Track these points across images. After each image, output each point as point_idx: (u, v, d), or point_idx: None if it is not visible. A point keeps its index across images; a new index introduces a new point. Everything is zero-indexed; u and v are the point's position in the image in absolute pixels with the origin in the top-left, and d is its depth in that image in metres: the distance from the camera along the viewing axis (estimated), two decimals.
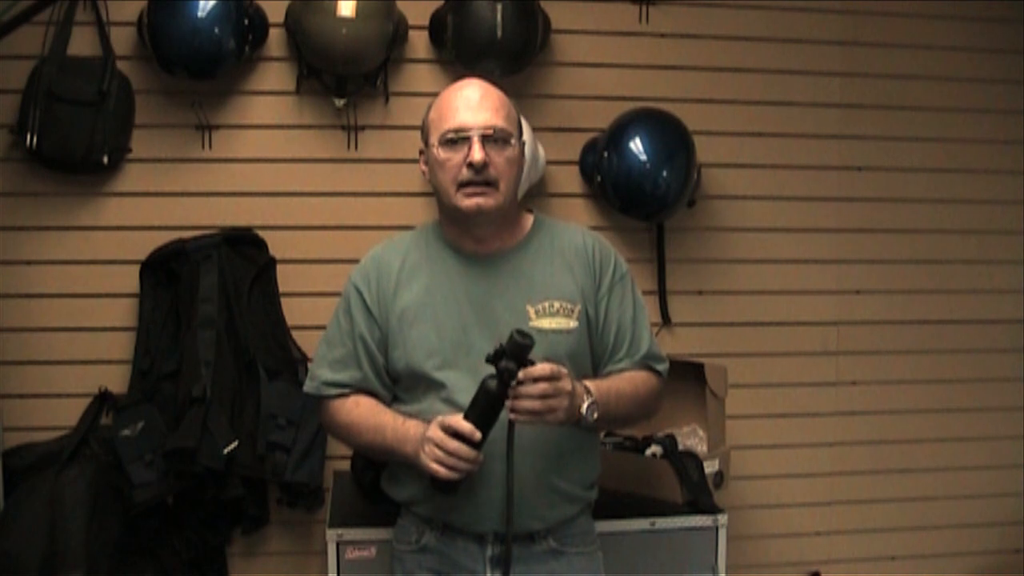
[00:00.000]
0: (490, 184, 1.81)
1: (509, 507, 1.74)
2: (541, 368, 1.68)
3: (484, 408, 1.69)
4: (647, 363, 1.94)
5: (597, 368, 1.93)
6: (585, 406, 1.74)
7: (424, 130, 1.89)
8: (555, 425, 1.74)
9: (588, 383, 1.80)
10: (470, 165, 1.79)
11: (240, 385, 2.64)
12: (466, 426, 1.69)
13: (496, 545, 1.86)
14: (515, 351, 1.64)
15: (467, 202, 1.81)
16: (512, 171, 1.85)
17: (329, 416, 1.95)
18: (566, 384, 1.71)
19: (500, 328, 1.80)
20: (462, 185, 1.81)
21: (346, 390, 1.92)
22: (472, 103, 1.81)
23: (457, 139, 1.80)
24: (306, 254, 2.79)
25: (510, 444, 1.71)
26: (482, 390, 1.68)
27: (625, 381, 1.90)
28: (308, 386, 1.97)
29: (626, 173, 2.78)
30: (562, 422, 1.73)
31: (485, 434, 1.70)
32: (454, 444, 1.69)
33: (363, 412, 1.89)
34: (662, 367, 1.97)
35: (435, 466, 1.71)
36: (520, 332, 1.65)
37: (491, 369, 1.68)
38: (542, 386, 1.67)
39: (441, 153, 1.82)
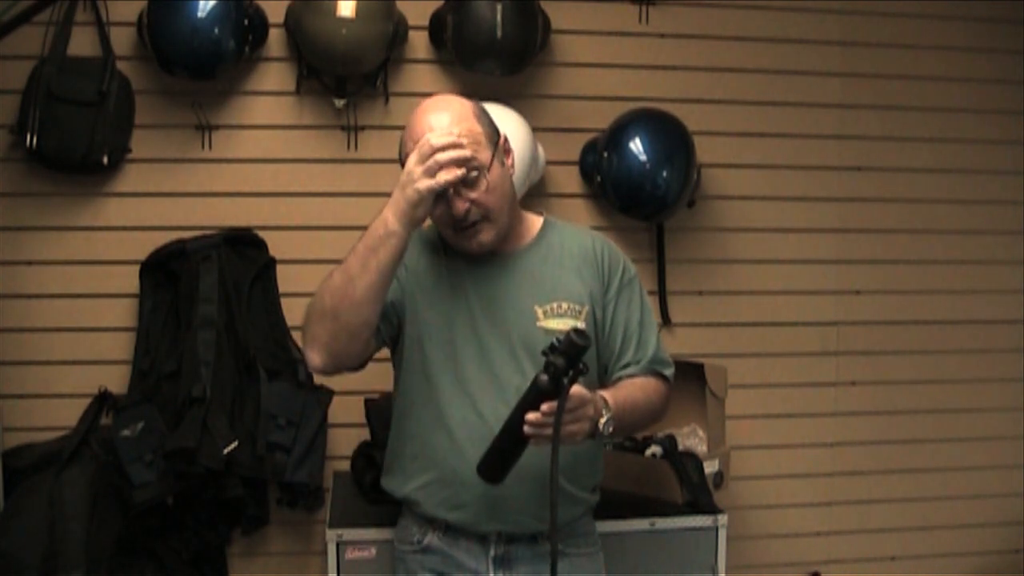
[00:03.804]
0: (481, 220, 1.80)
1: (553, 512, 1.65)
2: (576, 395, 1.63)
3: (528, 401, 1.62)
4: (654, 368, 1.93)
5: (604, 371, 1.93)
6: (603, 422, 1.70)
7: (401, 159, 1.82)
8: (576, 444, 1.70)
9: (606, 395, 1.76)
10: (453, 216, 1.78)
11: (240, 385, 2.64)
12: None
13: (499, 545, 1.87)
14: (568, 348, 1.58)
15: (468, 243, 1.82)
16: (499, 194, 1.81)
17: (307, 310, 1.81)
18: (588, 410, 1.67)
19: (508, 328, 1.81)
20: (455, 228, 1.80)
21: None
22: None
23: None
24: (306, 254, 2.79)
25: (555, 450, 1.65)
26: (533, 384, 1.61)
27: (638, 389, 1.87)
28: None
29: (626, 173, 2.78)
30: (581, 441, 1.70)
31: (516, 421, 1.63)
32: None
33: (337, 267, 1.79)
34: (669, 372, 1.96)
35: (428, 181, 1.67)
36: (577, 331, 1.60)
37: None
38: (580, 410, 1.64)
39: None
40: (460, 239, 1.83)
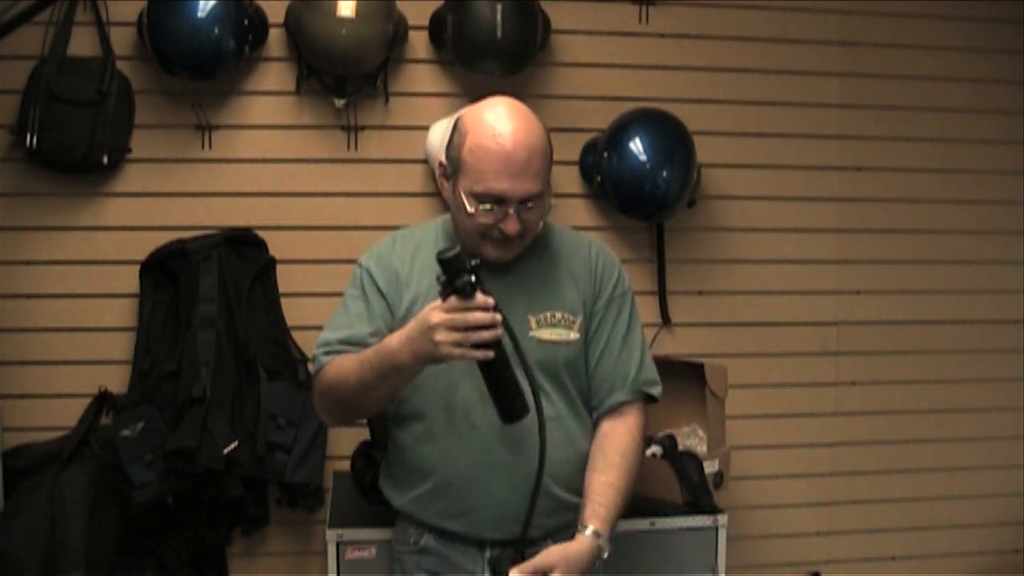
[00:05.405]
0: (518, 237, 1.76)
1: (532, 506, 1.69)
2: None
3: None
4: (639, 389, 1.89)
5: (588, 379, 1.90)
6: (604, 558, 1.75)
7: (453, 157, 1.76)
8: None
9: (595, 524, 1.75)
10: (502, 231, 1.74)
11: (240, 385, 2.64)
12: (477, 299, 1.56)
13: (495, 547, 1.86)
14: (453, 269, 1.55)
15: (492, 252, 1.78)
16: (540, 218, 1.79)
17: (320, 385, 1.83)
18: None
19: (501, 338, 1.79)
20: (488, 237, 1.76)
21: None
22: (516, 167, 1.69)
23: (494, 208, 1.72)
24: (306, 254, 2.79)
25: (543, 441, 1.67)
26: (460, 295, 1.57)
27: (622, 473, 1.82)
28: (312, 369, 1.88)
29: (626, 173, 2.78)
30: None
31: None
32: (473, 315, 1.56)
33: (348, 358, 1.78)
34: (656, 391, 1.92)
35: (459, 351, 1.58)
36: (439, 252, 1.57)
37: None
38: None
39: (470, 205, 1.73)
40: (485, 247, 1.77)
